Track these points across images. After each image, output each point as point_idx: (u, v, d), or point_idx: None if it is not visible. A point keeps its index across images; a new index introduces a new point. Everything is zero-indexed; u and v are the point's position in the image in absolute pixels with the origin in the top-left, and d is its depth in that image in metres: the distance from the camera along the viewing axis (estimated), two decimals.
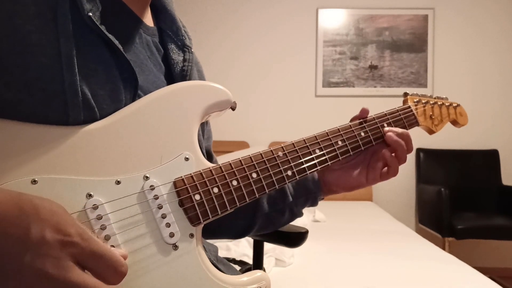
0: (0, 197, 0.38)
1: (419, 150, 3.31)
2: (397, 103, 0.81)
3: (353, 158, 0.73)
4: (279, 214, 0.77)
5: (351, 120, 0.74)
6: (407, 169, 3.39)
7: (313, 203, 0.78)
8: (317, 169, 0.66)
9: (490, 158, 3.25)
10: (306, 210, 2.82)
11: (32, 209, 0.38)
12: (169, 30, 0.69)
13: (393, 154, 0.71)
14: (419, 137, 3.23)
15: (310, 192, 0.76)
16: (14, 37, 0.47)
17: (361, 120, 0.72)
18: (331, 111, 3.39)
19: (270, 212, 0.76)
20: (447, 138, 3.29)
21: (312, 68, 3.45)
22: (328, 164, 0.67)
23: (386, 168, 0.72)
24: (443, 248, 2.54)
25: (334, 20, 3.44)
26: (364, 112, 0.73)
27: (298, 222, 2.16)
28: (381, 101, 3.35)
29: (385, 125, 0.73)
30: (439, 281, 1.46)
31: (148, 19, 0.67)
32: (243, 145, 3.37)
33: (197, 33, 3.39)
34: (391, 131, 0.71)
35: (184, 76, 0.67)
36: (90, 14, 0.51)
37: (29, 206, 0.38)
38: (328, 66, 3.44)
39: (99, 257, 0.39)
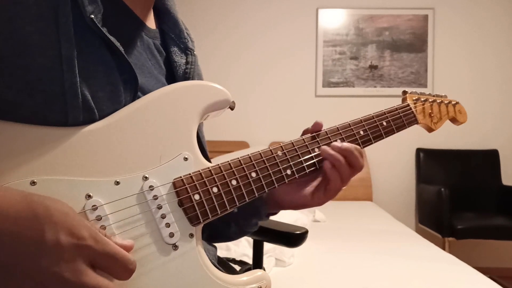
0: (10, 198, 0.39)
1: (419, 150, 3.31)
2: (397, 103, 0.81)
3: (307, 175, 0.66)
4: (225, 225, 0.74)
5: (303, 134, 0.69)
6: (407, 169, 3.39)
7: (259, 218, 0.72)
8: (316, 168, 0.65)
9: (490, 158, 3.25)
10: (306, 210, 2.79)
11: (45, 212, 0.39)
12: (172, 33, 0.69)
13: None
14: (419, 137, 3.26)
15: (253, 207, 0.70)
16: (15, 39, 0.46)
17: (314, 134, 0.67)
18: (331, 111, 3.39)
19: (216, 223, 0.71)
20: (447, 138, 3.29)
21: (312, 68, 3.45)
22: None
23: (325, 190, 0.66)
24: (443, 248, 2.53)
25: (334, 20, 3.43)
26: (316, 126, 0.68)
27: (298, 222, 2.16)
28: (381, 101, 3.35)
29: (338, 140, 0.68)
30: (439, 281, 1.46)
31: (151, 21, 0.67)
32: (243, 145, 3.37)
33: (197, 33, 3.38)
34: (330, 145, 0.66)
35: (187, 78, 0.67)
36: (92, 16, 0.51)
37: (41, 209, 0.39)
38: (328, 66, 3.44)
39: (111, 258, 0.41)
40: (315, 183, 0.68)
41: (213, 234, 0.78)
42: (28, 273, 0.37)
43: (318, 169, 0.66)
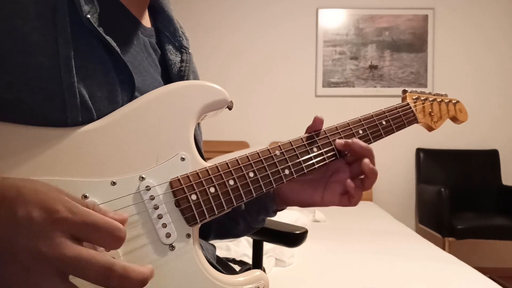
0: None
1: (419, 150, 3.31)
2: (397, 103, 0.81)
3: (311, 173, 0.66)
4: (233, 223, 0.75)
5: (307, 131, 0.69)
6: (407, 169, 3.38)
7: (267, 214, 0.74)
8: (315, 168, 0.65)
9: (490, 158, 3.24)
10: (306, 210, 2.79)
11: (15, 192, 0.37)
12: (167, 31, 0.69)
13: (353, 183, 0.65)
14: (419, 137, 3.26)
15: (261, 203, 0.72)
16: (14, 37, 0.46)
17: (312, 134, 0.66)
18: (331, 111, 3.38)
19: (223, 220, 0.73)
20: (447, 138, 3.28)
21: (312, 68, 3.45)
22: (326, 163, 0.66)
23: (347, 195, 0.66)
24: (443, 248, 2.53)
25: (334, 20, 3.43)
26: (316, 122, 0.67)
27: (298, 222, 2.16)
28: (381, 101, 3.34)
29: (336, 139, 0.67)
30: (439, 281, 1.46)
31: (146, 20, 0.67)
32: (243, 145, 3.37)
33: (197, 33, 3.40)
34: (369, 156, 0.65)
35: (182, 76, 0.67)
36: (89, 16, 0.51)
37: (11, 190, 0.37)
38: (328, 66, 3.43)
39: (92, 226, 0.38)
40: (322, 183, 0.69)
41: (221, 231, 0.78)
42: (8, 258, 0.36)
43: (317, 169, 0.66)
